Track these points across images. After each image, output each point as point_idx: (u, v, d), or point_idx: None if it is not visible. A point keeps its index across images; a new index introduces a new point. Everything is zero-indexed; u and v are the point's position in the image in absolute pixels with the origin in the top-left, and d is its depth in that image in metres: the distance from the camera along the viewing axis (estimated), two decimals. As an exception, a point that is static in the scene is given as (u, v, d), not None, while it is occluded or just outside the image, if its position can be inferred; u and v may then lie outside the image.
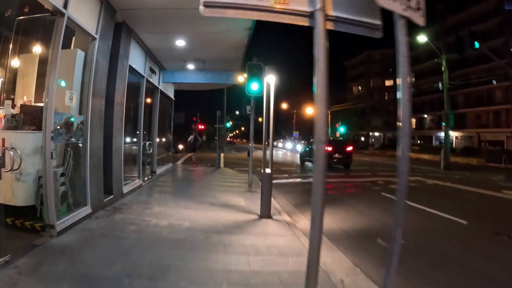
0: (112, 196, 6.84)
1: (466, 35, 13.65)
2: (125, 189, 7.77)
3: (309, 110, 48.42)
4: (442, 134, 44.08)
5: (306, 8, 2.03)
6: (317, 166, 1.84)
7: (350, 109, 54.34)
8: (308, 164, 21.24)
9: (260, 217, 6.51)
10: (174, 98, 14.97)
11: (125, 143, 8.01)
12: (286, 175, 14.97)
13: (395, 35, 2.08)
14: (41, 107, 4.81)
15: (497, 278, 4.32)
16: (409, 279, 3.96)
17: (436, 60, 22.02)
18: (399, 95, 1.98)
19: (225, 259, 4.25)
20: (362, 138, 63.73)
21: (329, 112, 47.70)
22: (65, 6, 4.70)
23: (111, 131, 6.82)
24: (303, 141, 29.21)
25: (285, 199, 9.07)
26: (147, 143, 10.30)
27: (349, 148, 19.87)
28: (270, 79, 6.88)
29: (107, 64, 6.40)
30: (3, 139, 4.60)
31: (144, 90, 9.67)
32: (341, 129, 42.47)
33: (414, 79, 54.37)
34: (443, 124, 21.45)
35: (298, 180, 13.95)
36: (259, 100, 8.87)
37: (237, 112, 61.18)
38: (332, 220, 6.85)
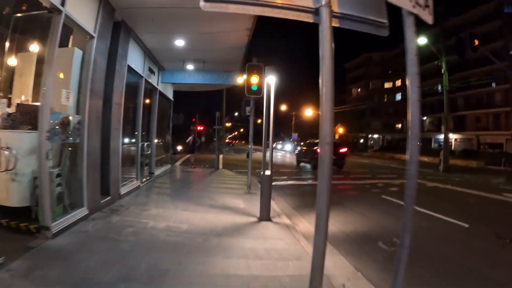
0: (109, 197, 6.74)
1: (466, 38, 13.62)
2: (123, 190, 7.67)
3: (308, 112, 48.42)
4: (441, 136, 44.11)
5: (310, 4, 1.95)
6: (323, 169, 1.75)
7: (350, 111, 54.32)
8: (306, 165, 21.62)
9: (259, 220, 6.42)
10: (173, 99, 14.88)
11: (123, 143, 7.91)
12: (285, 177, 14.88)
13: (403, 32, 2.01)
14: (38, 106, 4.71)
15: (500, 281, 4.26)
16: (411, 283, 3.85)
17: (436, 62, 22.01)
18: (408, 94, 1.89)
19: (224, 263, 4.16)
20: (361, 140, 63.68)
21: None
22: (63, 4, 4.62)
23: (108, 131, 6.72)
24: (300, 142, 29.26)
25: (284, 201, 8.98)
26: (146, 144, 10.19)
27: (343, 150, 20.31)
28: (270, 80, 6.80)
29: (105, 64, 6.30)
30: (-2, 139, 4.51)
31: (142, 90, 9.56)
32: (340, 131, 42.42)
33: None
34: (443, 126, 21.42)
35: (298, 182, 13.85)
36: (258, 101, 8.82)
37: (236, 114, 61.25)
38: (333, 223, 6.74)
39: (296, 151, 26.01)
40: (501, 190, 12.60)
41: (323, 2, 1.88)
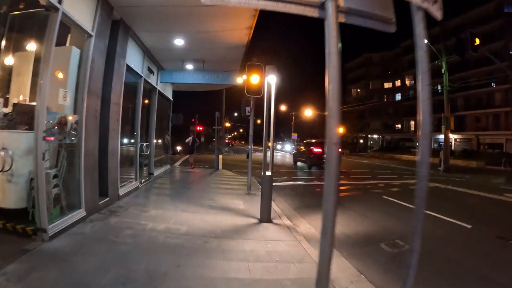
0: (107, 198, 6.65)
1: (467, 37, 13.56)
2: (121, 191, 7.57)
3: (307, 112, 48.28)
4: (441, 136, 44.09)
5: (316, -3, 1.87)
6: (330, 171, 1.66)
7: (349, 111, 54.20)
8: (303, 165, 22.05)
9: (260, 221, 6.33)
10: (172, 99, 14.79)
11: (121, 144, 7.82)
12: (286, 178, 14.80)
13: (412, 29, 1.93)
14: (35, 106, 4.62)
15: (501, 282, 4.20)
16: (414, 285, 3.79)
17: (436, 62, 21.94)
18: (417, 93, 1.81)
19: (224, 266, 4.07)
20: (361, 141, 63.64)
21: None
22: (60, 1, 4.53)
23: (107, 131, 6.63)
24: (300, 142, 29.46)
25: (285, 202, 8.90)
26: (145, 144, 10.10)
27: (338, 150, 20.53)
28: (271, 79, 6.71)
29: (104, 63, 6.21)
30: (-6, 139, 4.42)
31: (141, 90, 9.47)
32: (341, 130, 42.32)
33: (413, 81, 54.53)
34: (443, 126, 21.34)
35: (298, 182, 13.77)
36: (257, 101, 8.74)
37: (235, 114, 61.15)
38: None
39: (294, 151, 26.57)
40: (502, 190, 12.54)
41: (329, -4, 1.80)
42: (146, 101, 10.98)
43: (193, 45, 9.30)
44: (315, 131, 55.99)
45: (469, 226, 6.76)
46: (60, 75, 5.18)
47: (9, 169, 4.55)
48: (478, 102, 41.13)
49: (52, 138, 4.75)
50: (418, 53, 1.84)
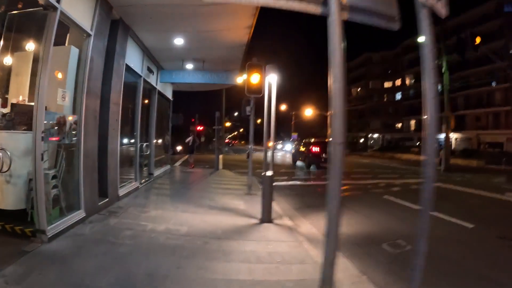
0: (107, 199, 6.60)
1: (467, 37, 13.53)
2: (121, 192, 7.53)
3: (307, 112, 48.20)
4: (441, 135, 44.09)
5: (318, -6, 1.82)
6: (334, 172, 1.62)
7: (349, 110, 54.21)
8: (302, 164, 22.37)
9: (260, 222, 6.29)
10: (172, 99, 14.74)
11: (121, 144, 7.77)
12: (286, 177, 14.74)
13: (418, 26, 1.89)
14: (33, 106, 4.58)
15: (504, 283, 4.15)
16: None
17: (436, 61, 21.88)
18: (423, 91, 1.77)
19: (225, 267, 4.03)
20: (361, 140, 63.54)
21: (328, 113, 47.83)
22: (58, 0, 4.49)
23: (106, 131, 6.59)
24: (297, 142, 29.65)
25: (285, 202, 8.85)
26: (144, 144, 10.06)
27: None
28: (272, 79, 6.66)
29: (103, 62, 6.16)
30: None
31: (141, 90, 9.42)
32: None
33: (413, 80, 54.48)
34: (444, 125, 21.29)
35: (298, 182, 13.72)
36: (258, 101, 8.69)
37: (235, 114, 61.06)
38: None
39: (293, 151, 27.05)
40: (503, 190, 12.47)
41: (332, -7, 1.76)
42: (146, 101, 10.94)
43: (193, 44, 9.25)
44: (316, 130, 56.04)
45: (470, 226, 6.70)
46: (59, 75, 5.13)
47: (7, 170, 4.50)
48: (478, 101, 41.08)
49: (57, 138, 4.74)
50: (424, 51, 1.80)
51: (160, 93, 12.00)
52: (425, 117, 1.73)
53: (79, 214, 5.36)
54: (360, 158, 36.45)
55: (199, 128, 28.49)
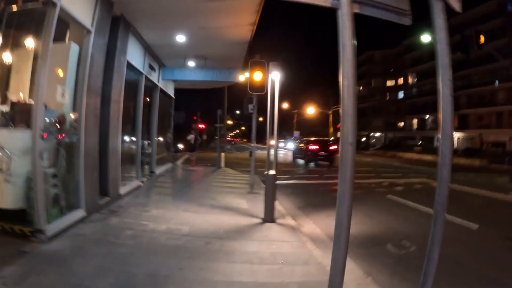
0: (108, 198, 6.53)
1: (471, 35, 13.39)
2: (122, 191, 7.46)
3: (310, 110, 48.09)
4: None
5: (328, -14, 1.73)
6: (344, 174, 1.53)
7: (351, 109, 53.98)
8: (300, 161, 23.62)
9: (263, 221, 6.21)
10: (174, 97, 14.66)
11: (122, 142, 7.71)
12: (289, 176, 14.66)
13: (432, 20, 1.79)
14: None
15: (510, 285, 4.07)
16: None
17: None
18: (438, 89, 1.67)
19: (227, 268, 3.95)
20: (363, 139, 63.33)
21: (330, 112, 47.33)
22: (58, -4, 4.40)
23: (107, 129, 6.51)
24: (299, 140, 30.15)
25: (288, 201, 8.77)
26: (146, 142, 9.99)
27: (333, 147, 22.32)
28: (275, 76, 6.57)
29: (103, 60, 6.08)
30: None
31: (143, 87, 9.35)
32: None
33: (415, 79, 54.26)
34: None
35: (301, 181, 13.65)
36: (260, 99, 8.62)
37: (237, 112, 60.97)
38: (339, 224, 6.55)
39: (294, 148, 28.44)
40: (507, 189, 12.34)
41: (342, -16, 1.66)
42: (148, 99, 10.87)
43: (195, 41, 9.17)
44: (318, 129, 55.94)
45: (475, 227, 6.60)
46: (59, 72, 5.05)
47: (7, 169, 4.43)
48: (481, 100, 40.85)
49: (63, 135, 4.70)
50: (439, 47, 1.71)
51: (162, 91, 11.93)
52: (440, 115, 1.63)
53: (79, 213, 5.29)
54: (362, 156, 36.30)
55: (201, 126, 28.40)
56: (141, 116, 9.26)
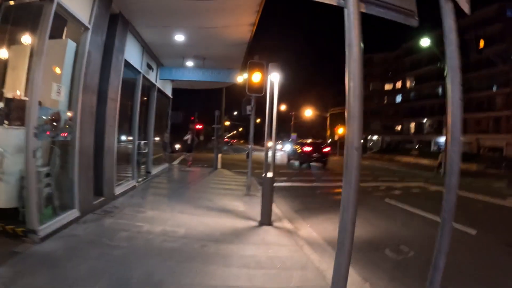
0: (103, 198, 6.42)
1: (472, 40, 13.41)
2: (118, 191, 7.35)
3: (307, 112, 48.11)
4: (440, 139, 43.95)
5: (334, -16, 1.66)
6: (349, 180, 1.45)
7: (349, 112, 54.05)
8: (295, 163, 24.21)
9: (260, 224, 6.13)
10: (172, 97, 14.56)
11: (119, 141, 7.60)
12: (285, 178, 14.59)
13: (441, 21, 1.72)
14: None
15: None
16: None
17: (438, 64, 21.81)
18: (447, 92, 1.60)
19: (223, 272, 3.86)
20: (361, 142, 63.34)
21: (328, 115, 47.25)
22: (55, -9, 4.31)
23: (103, 128, 6.41)
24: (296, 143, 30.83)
25: (285, 203, 8.69)
26: (142, 142, 9.89)
27: (326, 149, 23.24)
28: (274, 77, 6.50)
29: (101, 57, 5.98)
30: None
31: (140, 86, 9.26)
32: (340, 131, 42.25)
33: (414, 83, 54.43)
34: (445, 129, 21.19)
35: (298, 184, 13.58)
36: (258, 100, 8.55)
37: (235, 113, 60.86)
38: (336, 228, 6.37)
39: (288, 150, 29.28)
40: (505, 195, 12.35)
41: (349, -18, 1.59)
42: (145, 98, 10.77)
43: (194, 41, 9.10)
44: (315, 131, 55.92)
45: (474, 232, 6.54)
46: (54, 69, 4.96)
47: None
48: (478, 105, 40.99)
49: (65, 134, 4.61)
50: (448, 49, 1.64)
51: (159, 90, 11.83)
52: (449, 120, 1.56)
53: (73, 213, 5.18)
54: (359, 159, 36.24)
55: (198, 126, 28.29)
56: (138, 116, 9.16)
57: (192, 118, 24.99)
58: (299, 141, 28.28)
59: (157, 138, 12.83)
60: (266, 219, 6.17)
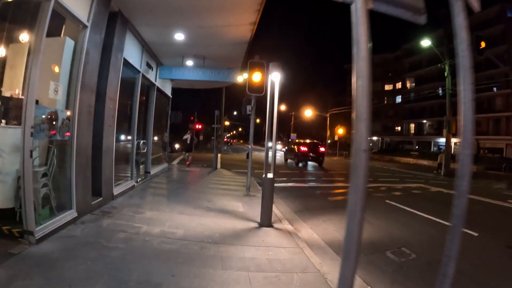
0: (101, 198, 6.34)
1: (473, 40, 13.31)
2: (116, 191, 7.27)
3: (307, 113, 48.02)
4: (440, 140, 43.87)
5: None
6: (356, 184, 1.38)
7: (349, 112, 53.92)
8: (292, 162, 24.97)
9: (260, 225, 6.06)
10: (171, 96, 14.47)
11: (117, 141, 7.52)
12: (285, 179, 14.52)
13: (452, 20, 1.66)
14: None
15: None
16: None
17: (439, 65, 21.72)
18: (458, 93, 1.53)
19: (223, 275, 3.78)
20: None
21: (328, 115, 47.16)
22: (53, -12, 4.23)
23: (101, 128, 6.33)
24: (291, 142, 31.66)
25: (285, 204, 8.62)
26: (142, 141, 9.81)
27: (322, 149, 24.41)
28: (275, 77, 6.42)
29: (99, 56, 5.89)
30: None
31: (139, 86, 9.17)
32: (340, 131, 42.21)
33: (413, 84, 54.38)
34: (445, 130, 21.11)
35: (298, 184, 13.52)
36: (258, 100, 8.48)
37: (235, 113, 60.82)
38: (337, 229, 6.43)
39: (285, 150, 30.05)
40: (505, 196, 12.32)
41: (356, -22, 1.52)
42: (144, 98, 10.68)
43: (194, 40, 9.01)
44: (315, 131, 55.87)
45: (476, 234, 6.48)
46: (52, 67, 4.88)
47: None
48: (479, 106, 40.88)
49: (68, 134, 4.54)
50: (459, 47, 1.57)
51: (159, 90, 11.74)
52: (461, 122, 1.49)
53: (71, 214, 5.10)
54: (359, 160, 36.20)
55: (198, 126, 28.25)
56: (137, 115, 9.08)
57: (192, 118, 24.95)
58: (296, 141, 29.24)
59: (156, 138, 12.75)
60: (266, 220, 6.10)
